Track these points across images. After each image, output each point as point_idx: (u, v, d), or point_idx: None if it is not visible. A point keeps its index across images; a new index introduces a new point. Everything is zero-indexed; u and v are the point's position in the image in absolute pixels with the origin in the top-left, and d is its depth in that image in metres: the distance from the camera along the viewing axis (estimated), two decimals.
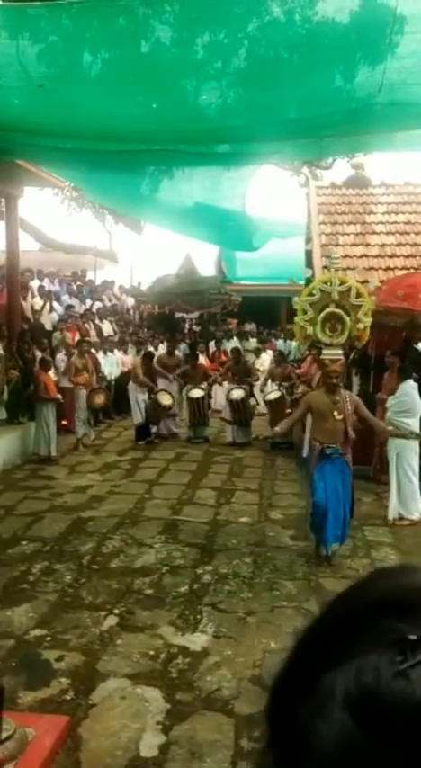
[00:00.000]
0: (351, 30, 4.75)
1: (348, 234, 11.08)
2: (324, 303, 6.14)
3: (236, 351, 12.88)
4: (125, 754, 3.46)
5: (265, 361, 14.53)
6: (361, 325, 6.13)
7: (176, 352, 13.88)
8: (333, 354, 6.16)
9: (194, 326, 21.43)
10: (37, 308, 13.81)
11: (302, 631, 0.51)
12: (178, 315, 20.83)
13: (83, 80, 5.46)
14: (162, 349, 13.95)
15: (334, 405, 6.08)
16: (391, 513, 7.45)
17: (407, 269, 9.98)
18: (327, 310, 6.11)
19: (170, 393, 11.89)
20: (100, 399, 11.69)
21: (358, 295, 6.14)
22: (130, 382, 12.15)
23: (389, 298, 8.33)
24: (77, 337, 12.75)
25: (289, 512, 7.71)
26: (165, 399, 11.68)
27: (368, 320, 6.17)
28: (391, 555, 6.44)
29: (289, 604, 5.30)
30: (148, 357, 12.46)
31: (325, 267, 6.36)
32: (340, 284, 6.17)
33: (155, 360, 12.77)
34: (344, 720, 0.42)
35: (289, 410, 11.43)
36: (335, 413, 6.06)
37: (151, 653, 4.52)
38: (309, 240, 12.13)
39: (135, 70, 5.48)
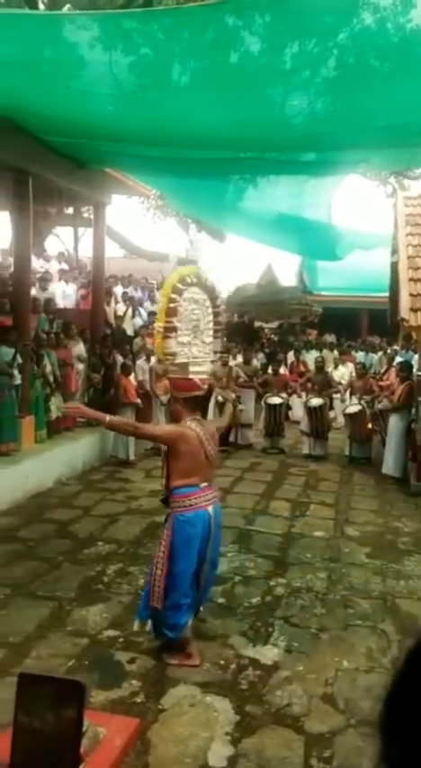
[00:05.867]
0: None
1: None
2: None
3: (319, 360, 12.72)
4: (194, 762, 3.45)
5: (345, 374, 14.23)
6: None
7: (254, 361, 13.85)
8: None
9: (273, 336, 21.35)
10: (119, 313, 14.10)
11: (412, 647, 0.55)
12: (257, 324, 20.81)
13: (171, 90, 5.56)
14: (239, 358, 13.94)
15: None
16: None
17: None
18: None
19: (232, 395, 11.81)
20: None
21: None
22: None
23: None
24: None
25: (366, 529, 7.53)
26: (221, 397, 11.68)
27: (157, 329, 4.49)
28: None
29: (363, 623, 5.15)
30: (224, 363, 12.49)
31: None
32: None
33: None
34: None
35: (369, 425, 11.22)
36: None
37: (221, 662, 4.50)
38: (394, 252, 11.86)
39: (223, 80, 5.53)
